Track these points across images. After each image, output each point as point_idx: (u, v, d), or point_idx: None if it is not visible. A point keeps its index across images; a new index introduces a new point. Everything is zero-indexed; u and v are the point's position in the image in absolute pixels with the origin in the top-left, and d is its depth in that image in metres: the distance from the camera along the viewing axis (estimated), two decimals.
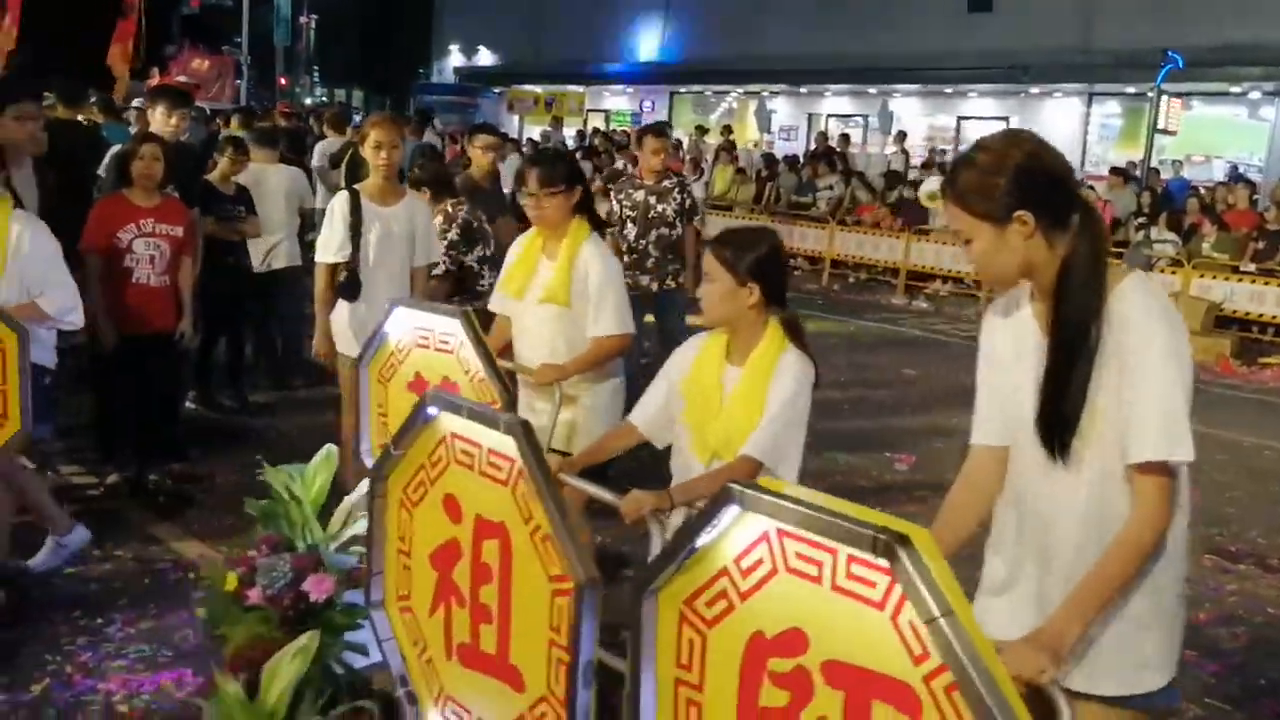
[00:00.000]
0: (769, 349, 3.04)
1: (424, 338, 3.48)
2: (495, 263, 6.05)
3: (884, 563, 1.50)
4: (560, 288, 4.12)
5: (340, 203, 5.00)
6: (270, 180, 7.32)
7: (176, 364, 5.83)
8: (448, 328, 3.36)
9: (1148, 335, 2.11)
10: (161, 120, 6.10)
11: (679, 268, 7.00)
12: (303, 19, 36.10)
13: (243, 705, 2.84)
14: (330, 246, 4.97)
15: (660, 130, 7.42)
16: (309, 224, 7.85)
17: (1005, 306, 2.38)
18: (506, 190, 9.75)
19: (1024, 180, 2.15)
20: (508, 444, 2.26)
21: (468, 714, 2.56)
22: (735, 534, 1.77)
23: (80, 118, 8.09)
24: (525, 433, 2.22)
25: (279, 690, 2.86)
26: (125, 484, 5.49)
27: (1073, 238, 2.17)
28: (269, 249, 7.28)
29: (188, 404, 6.69)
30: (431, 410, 2.47)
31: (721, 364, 3.11)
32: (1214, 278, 12.82)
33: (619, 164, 19.65)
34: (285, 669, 2.88)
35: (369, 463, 3.77)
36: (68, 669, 3.81)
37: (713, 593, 1.84)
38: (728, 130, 22.93)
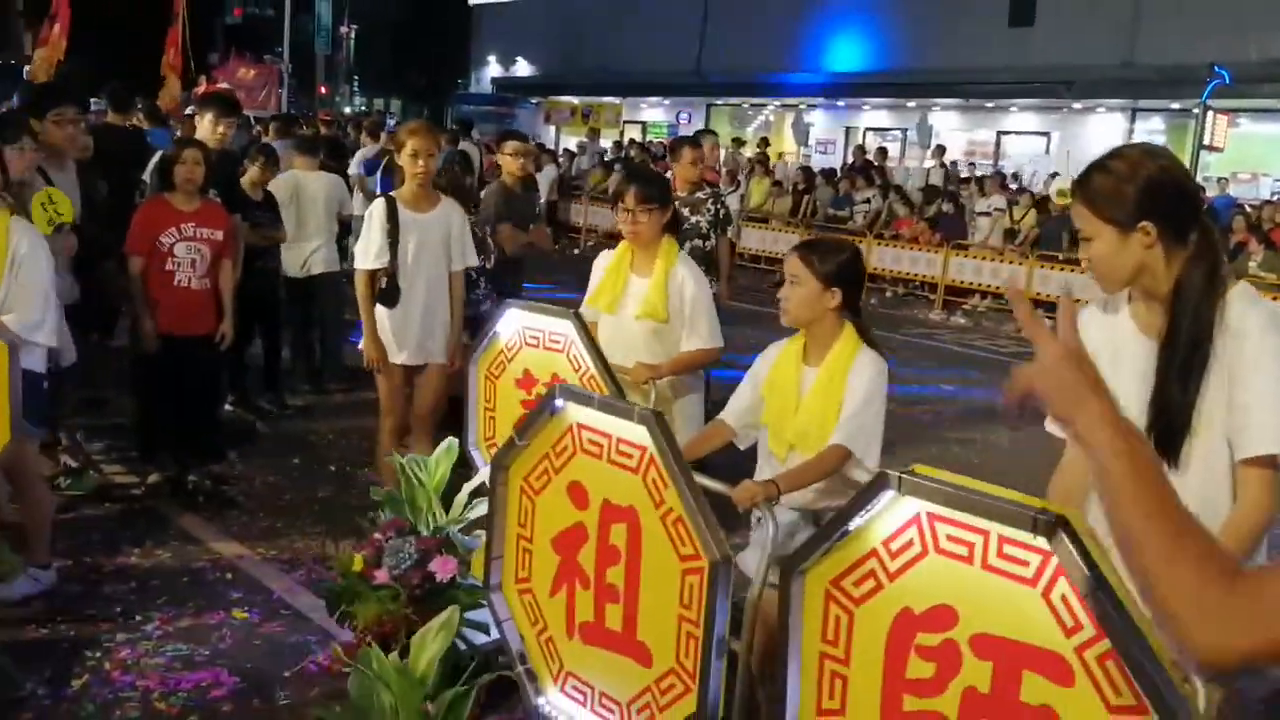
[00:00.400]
0: (845, 349, 3.24)
1: (534, 337, 3.79)
2: (491, 274, 6.12)
3: (1042, 542, 1.67)
4: (660, 304, 4.26)
5: (378, 210, 5.04)
6: (310, 186, 7.38)
7: (216, 367, 5.86)
8: (559, 328, 3.69)
9: (1261, 343, 2.22)
10: (209, 127, 6.16)
11: (713, 278, 6.94)
12: (343, 29, 36.45)
13: (398, 671, 3.04)
14: (369, 253, 5.00)
15: (696, 141, 7.24)
16: (347, 230, 7.90)
17: (1105, 305, 2.48)
18: (542, 199, 9.92)
19: (1154, 192, 2.24)
20: (639, 433, 2.44)
21: (589, 689, 2.71)
22: (887, 517, 1.92)
23: (128, 123, 8.22)
24: (658, 422, 2.41)
25: (427, 660, 3.09)
26: (166, 484, 5.53)
27: (1190, 253, 2.27)
28: (308, 254, 7.34)
29: (227, 407, 6.74)
30: (559, 403, 2.65)
31: (799, 365, 3.30)
32: (1261, 296, 12.60)
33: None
34: (431, 642, 3.11)
35: (475, 456, 4.05)
36: (107, 665, 3.83)
37: (861, 573, 1.98)
38: (764, 143, 22.92)
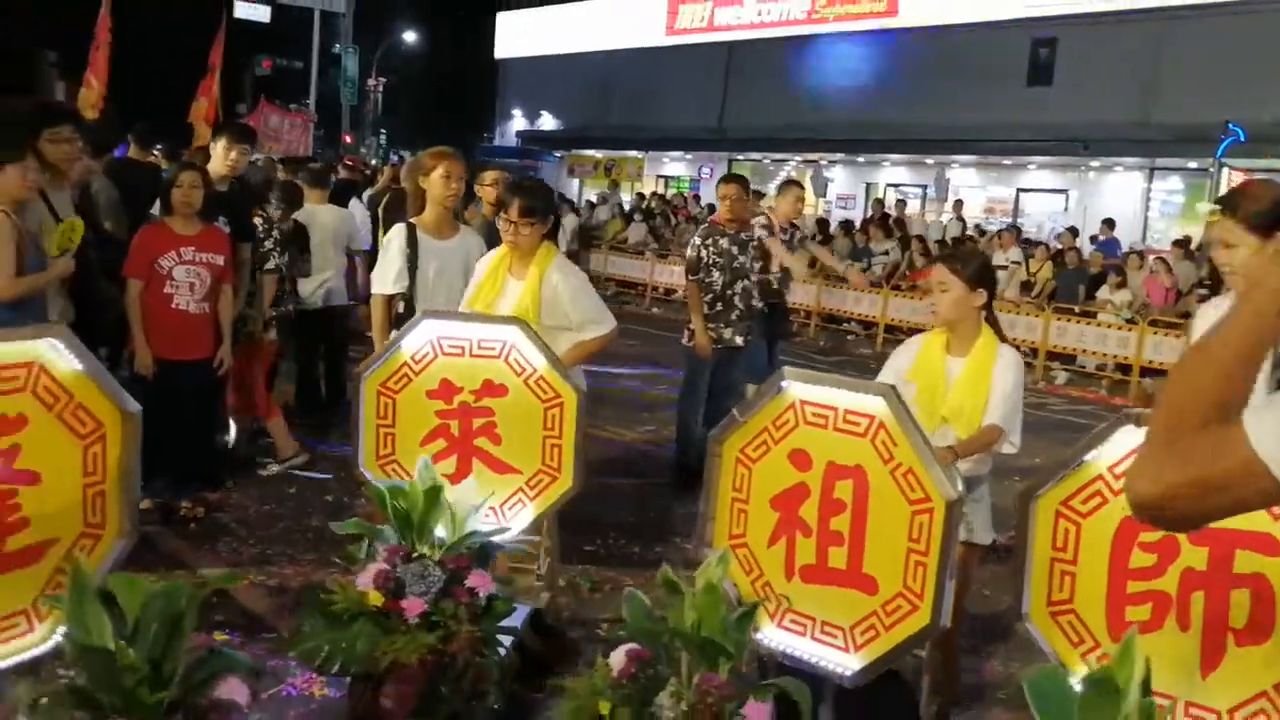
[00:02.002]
0: (988, 342, 3.75)
1: (456, 346, 3.81)
2: None
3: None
4: (533, 306, 4.39)
5: (398, 235, 4.97)
6: (320, 218, 7.42)
7: (213, 392, 5.84)
8: (492, 334, 3.79)
9: None
10: (222, 154, 6.19)
11: (752, 323, 6.92)
12: (371, 82, 37.01)
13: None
14: (387, 278, 4.94)
15: (800, 184, 7.86)
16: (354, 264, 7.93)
17: (1218, 305, 2.82)
18: (562, 247, 9.79)
19: None
20: (871, 403, 2.97)
21: (810, 620, 3.11)
22: (1112, 447, 2.58)
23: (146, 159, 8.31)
24: (895, 394, 2.96)
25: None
26: (157, 510, 5.49)
27: None
28: (317, 286, 7.36)
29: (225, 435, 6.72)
30: (784, 384, 3.13)
31: (943, 356, 3.77)
32: None
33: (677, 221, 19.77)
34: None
35: (368, 475, 3.83)
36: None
37: (1088, 493, 2.64)
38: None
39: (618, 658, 2.90)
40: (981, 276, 3.76)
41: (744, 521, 3.23)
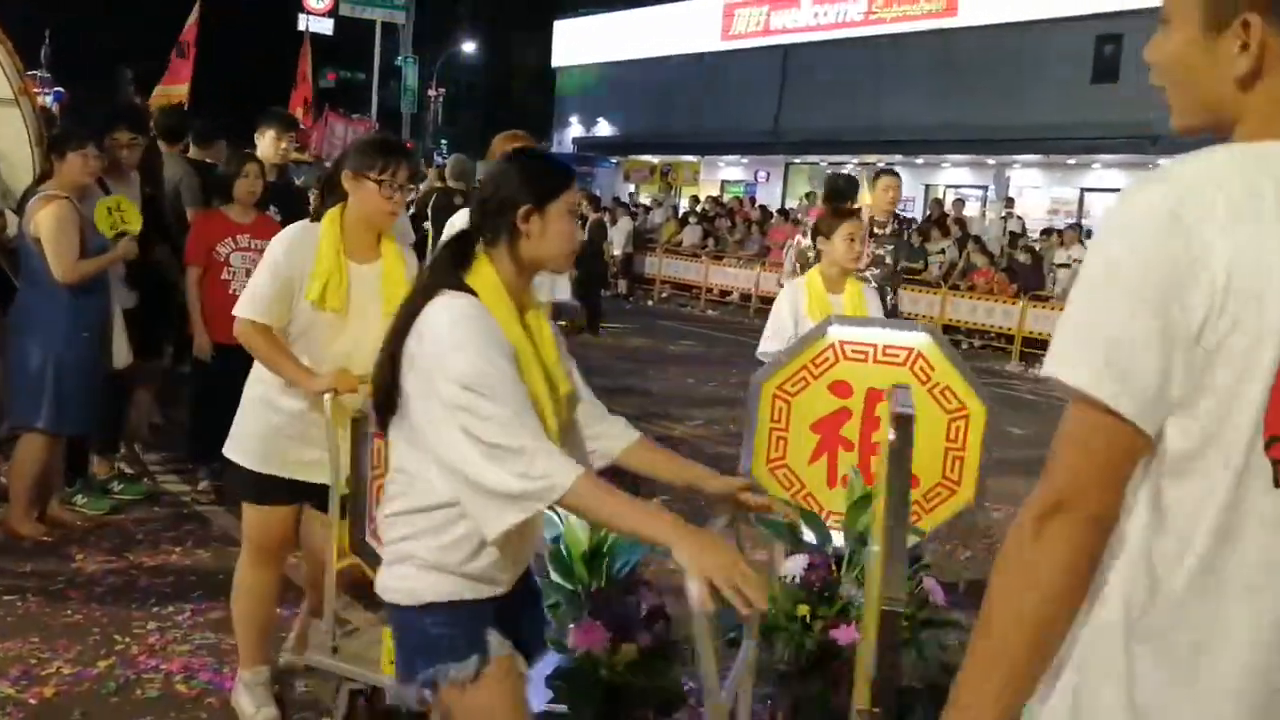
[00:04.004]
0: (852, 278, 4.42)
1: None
2: None
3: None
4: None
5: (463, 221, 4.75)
6: None
7: None
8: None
9: None
10: (271, 144, 6.30)
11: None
12: (431, 92, 37.45)
13: None
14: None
15: (893, 172, 7.51)
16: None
17: None
18: (617, 252, 9.69)
19: None
20: (913, 338, 3.43)
21: None
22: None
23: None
24: (938, 331, 3.49)
25: None
26: (214, 491, 5.60)
27: None
28: None
29: None
30: (828, 329, 3.47)
31: (827, 293, 4.41)
32: None
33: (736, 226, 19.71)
34: None
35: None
36: (134, 650, 3.86)
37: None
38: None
39: (795, 564, 3.11)
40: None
41: (783, 446, 3.51)
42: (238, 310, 3.27)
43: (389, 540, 2.26)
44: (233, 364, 5.45)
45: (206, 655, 3.86)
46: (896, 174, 7.39)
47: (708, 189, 28.72)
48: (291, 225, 3.38)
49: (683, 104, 30.36)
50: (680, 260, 19.94)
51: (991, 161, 24.25)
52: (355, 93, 35.67)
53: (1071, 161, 24.10)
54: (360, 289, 3.26)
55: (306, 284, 3.20)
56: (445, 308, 2.12)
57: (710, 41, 30.15)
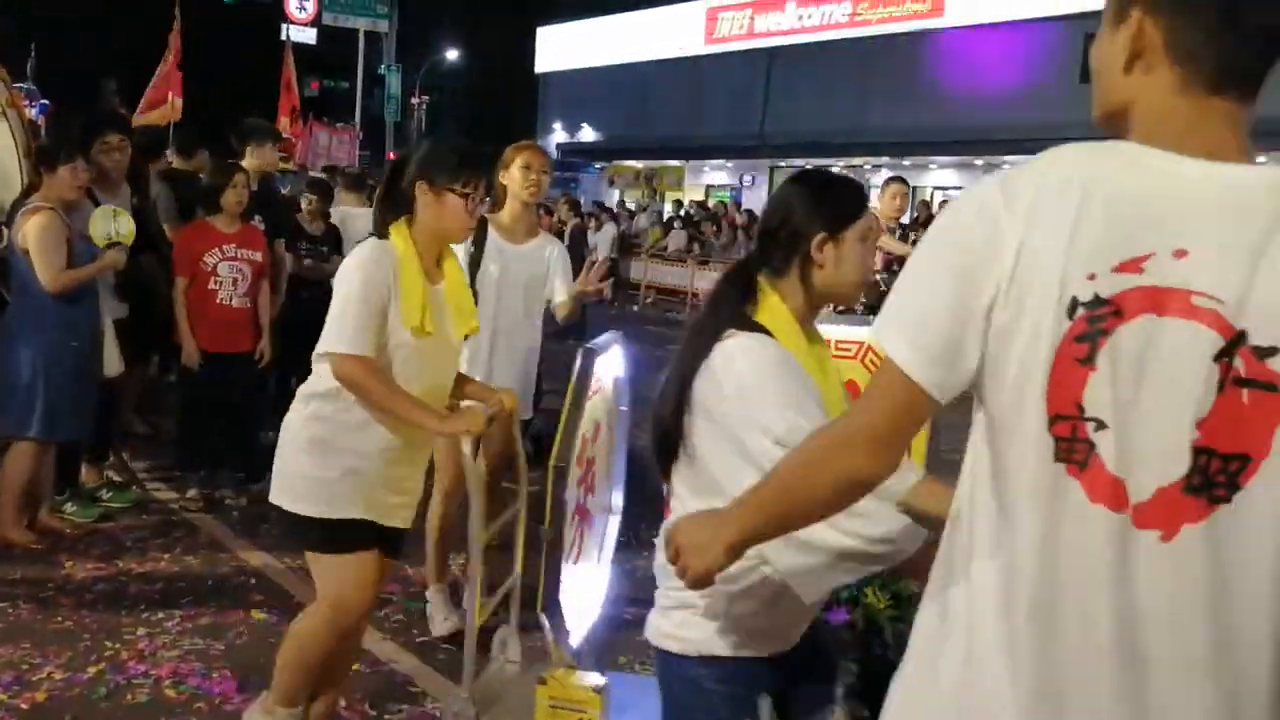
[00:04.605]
0: None
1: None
2: None
3: None
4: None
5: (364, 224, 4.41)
6: (357, 222, 7.55)
7: (257, 385, 5.99)
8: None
9: None
10: (263, 155, 6.35)
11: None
12: (414, 100, 37.48)
13: None
14: None
15: (902, 180, 7.84)
16: None
17: None
18: (602, 255, 9.65)
19: None
20: (858, 333, 3.48)
21: None
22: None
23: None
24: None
25: None
26: (202, 500, 5.64)
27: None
28: None
29: (269, 432, 6.86)
30: None
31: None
32: None
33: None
34: None
35: None
36: (124, 655, 3.89)
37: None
38: None
39: None
40: None
41: None
42: (334, 348, 2.88)
43: (667, 585, 2.06)
44: (219, 373, 5.57)
45: (195, 660, 3.89)
46: (905, 182, 7.55)
47: (693, 193, 28.81)
48: (361, 246, 3.03)
49: (667, 108, 30.46)
50: (666, 266, 20.01)
51: (979, 162, 24.37)
52: (339, 101, 35.69)
53: None
54: (437, 311, 3.04)
55: (399, 309, 2.92)
56: (744, 351, 1.97)
57: (694, 45, 30.27)
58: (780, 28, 28.36)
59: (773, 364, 1.96)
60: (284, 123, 15.90)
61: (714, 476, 1.97)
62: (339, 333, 2.88)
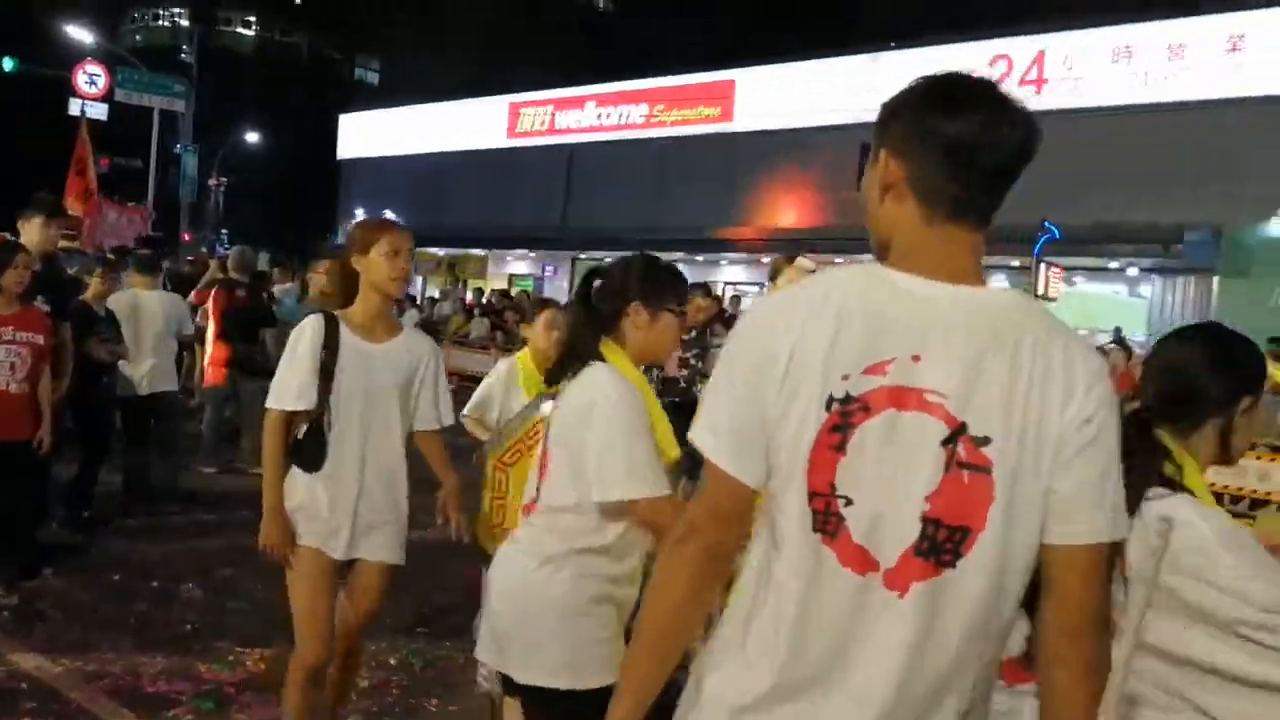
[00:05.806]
0: None
1: None
2: None
3: None
4: None
5: (311, 330, 3.52)
6: (149, 304, 7.37)
7: (34, 475, 5.71)
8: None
9: None
10: (37, 230, 6.10)
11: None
12: (212, 182, 36.48)
13: None
14: (288, 388, 3.48)
15: (709, 290, 8.69)
16: (185, 349, 7.87)
17: None
18: None
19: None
20: None
21: None
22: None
23: None
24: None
25: None
26: None
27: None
28: (145, 372, 7.28)
29: (52, 524, 6.53)
30: (543, 407, 3.30)
31: None
32: None
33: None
34: None
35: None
36: None
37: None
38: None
39: None
40: None
41: (503, 514, 3.72)
42: (641, 492, 2.55)
43: None
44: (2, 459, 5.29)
45: None
46: (711, 294, 8.40)
47: (495, 282, 28.98)
48: (601, 380, 2.68)
49: (470, 198, 30.70)
50: (468, 352, 20.05)
51: (766, 260, 25.42)
52: (132, 179, 34.35)
53: (865, 257, 25.47)
54: None
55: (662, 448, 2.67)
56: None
57: (496, 139, 30.78)
58: (580, 125, 29.18)
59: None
60: (73, 204, 15.20)
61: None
62: (643, 476, 2.55)
